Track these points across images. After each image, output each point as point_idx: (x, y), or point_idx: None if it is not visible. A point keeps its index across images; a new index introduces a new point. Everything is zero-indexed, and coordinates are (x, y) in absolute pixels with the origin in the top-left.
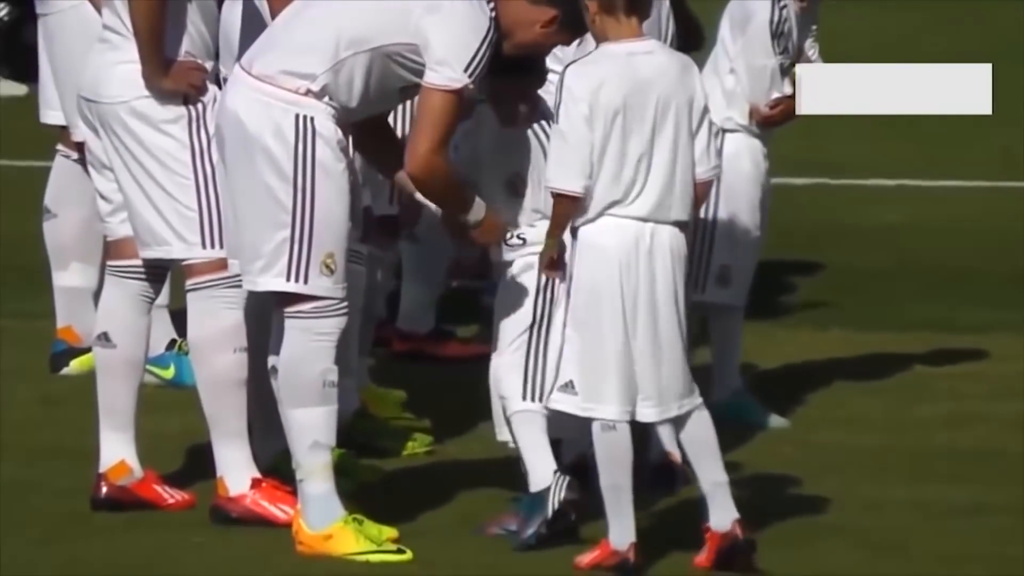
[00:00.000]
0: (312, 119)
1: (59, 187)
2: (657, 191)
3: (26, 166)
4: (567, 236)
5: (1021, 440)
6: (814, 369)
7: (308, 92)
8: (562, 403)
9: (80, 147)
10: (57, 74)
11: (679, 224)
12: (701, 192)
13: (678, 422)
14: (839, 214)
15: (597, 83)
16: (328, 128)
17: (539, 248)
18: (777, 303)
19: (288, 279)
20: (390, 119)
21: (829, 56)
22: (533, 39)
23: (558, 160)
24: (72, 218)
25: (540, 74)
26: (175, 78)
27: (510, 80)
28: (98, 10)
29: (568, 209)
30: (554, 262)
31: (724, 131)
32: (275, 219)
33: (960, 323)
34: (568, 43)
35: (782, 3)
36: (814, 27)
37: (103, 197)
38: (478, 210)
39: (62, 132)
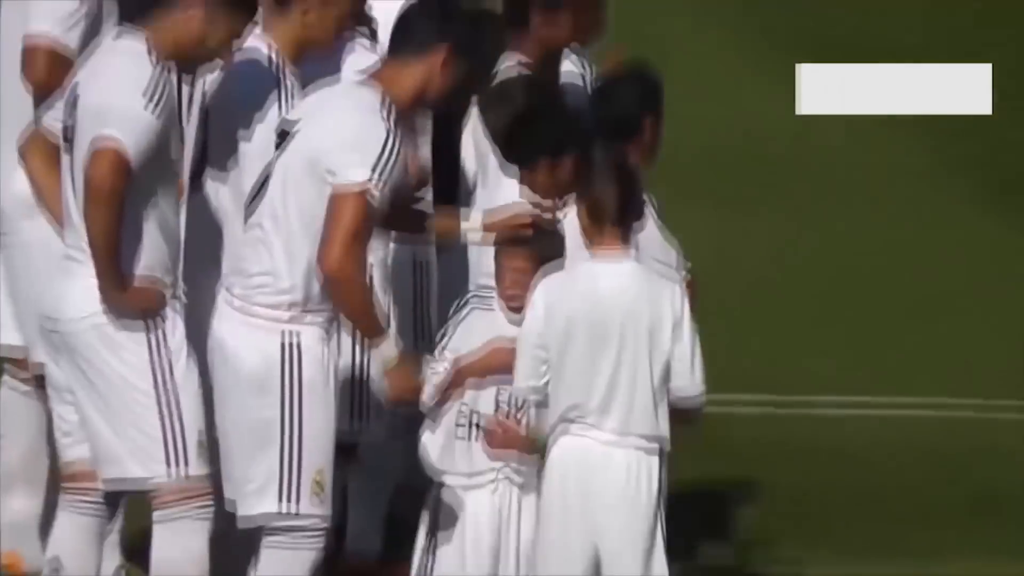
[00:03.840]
0: (298, 334)
1: (4, 413)
2: (622, 410)
3: None
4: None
5: None
6: None
7: (291, 306)
8: None
9: (34, 374)
10: (17, 298)
11: (640, 447)
12: (688, 414)
13: None
14: (787, 436)
15: (556, 297)
16: (314, 344)
17: None
18: (725, 528)
19: (280, 501)
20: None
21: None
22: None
23: (518, 357)
24: (19, 443)
25: (558, 245)
26: (132, 300)
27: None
28: (61, 227)
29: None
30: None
31: None
32: (264, 442)
33: (911, 547)
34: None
35: None
36: None
37: (61, 419)
38: (389, 346)
39: (9, 360)
